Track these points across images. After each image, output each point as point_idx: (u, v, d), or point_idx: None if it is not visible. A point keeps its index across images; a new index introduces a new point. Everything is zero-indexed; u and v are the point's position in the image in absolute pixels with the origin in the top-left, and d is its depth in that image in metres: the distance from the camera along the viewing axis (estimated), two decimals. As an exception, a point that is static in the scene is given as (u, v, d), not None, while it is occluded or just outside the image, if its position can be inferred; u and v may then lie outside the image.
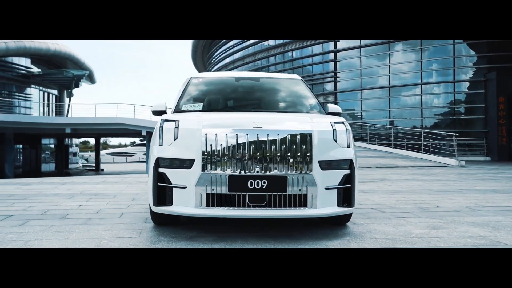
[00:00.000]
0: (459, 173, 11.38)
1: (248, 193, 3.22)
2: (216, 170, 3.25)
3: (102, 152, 56.44)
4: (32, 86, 32.36)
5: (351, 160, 3.47)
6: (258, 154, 3.25)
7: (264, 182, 3.23)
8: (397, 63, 24.66)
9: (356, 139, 23.18)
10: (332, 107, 4.41)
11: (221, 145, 3.27)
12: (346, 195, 3.46)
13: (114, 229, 3.75)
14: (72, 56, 33.08)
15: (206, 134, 3.30)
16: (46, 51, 29.66)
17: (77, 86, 35.12)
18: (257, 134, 3.28)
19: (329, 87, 28.41)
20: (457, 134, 16.70)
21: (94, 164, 40.40)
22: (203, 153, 3.27)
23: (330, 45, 27.57)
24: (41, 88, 33.55)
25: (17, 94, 30.94)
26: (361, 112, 26.70)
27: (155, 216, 3.79)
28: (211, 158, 3.26)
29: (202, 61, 48.27)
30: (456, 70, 22.21)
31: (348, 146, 3.50)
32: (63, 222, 4.05)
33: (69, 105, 33.68)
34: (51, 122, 26.37)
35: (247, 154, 3.25)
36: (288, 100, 4.49)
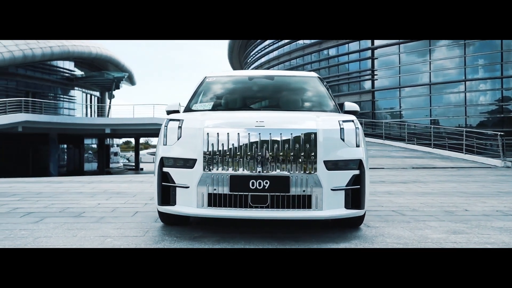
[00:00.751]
0: (503, 174, 10.73)
1: (250, 193, 3.14)
2: (217, 169, 3.19)
3: (143, 152, 58.11)
4: (76, 88, 33.78)
5: (360, 160, 3.29)
6: (260, 153, 3.16)
7: (266, 183, 3.13)
8: (439, 59, 23.69)
9: (394, 138, 22.51)
10: (349, 105, 4.26)
11: (222, 144, 3.20)
12: (355, 196, 3.29)
13: (122, 227, 3.77)
14: (112, 58, 34.24)
15: (207, 133, 3.24)
16: (88, 54, 30.87)
17: (117, 87, 36.33)
18: (259, 133, 3.18)
19: (367, 85, 27.78)
20: (502, 133, 15.78)
21: (134, 164, 41.64)
22: (204, 152, 3.21)
23: (368, 42, 26.91)
24: (83, 90, 34.97)
25: (62, 96, 32.41)
26: (400, 111, 25.89)
27: (163, 216, 3.77)
28: (212, 157, 3.20)
29: (238, 61, 48.61)
30: (504, 65, 21.04)
31: (358, 146, 3.33)
32: (77, 220, 4.12)
33: (109, 106, 34.91)
34: (91, 122, 27.41)
35: (249, 153, 3.16)
36: (300, 99, 4.36)
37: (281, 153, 3.16)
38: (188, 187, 3.26)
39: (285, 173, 3.15)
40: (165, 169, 3.38)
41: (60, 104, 31.97)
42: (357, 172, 3.28)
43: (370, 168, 13.89)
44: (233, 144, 3.19)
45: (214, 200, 3.20)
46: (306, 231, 3.60)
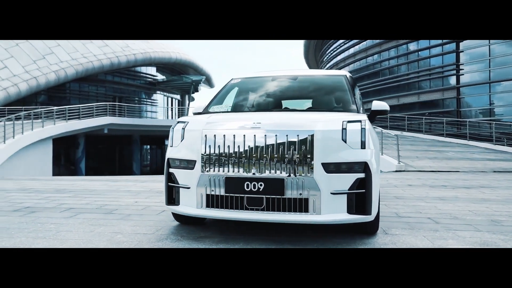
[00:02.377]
0: None
1: (245, 195, 3.08)
2: (214, 171, 3.18)
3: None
4: (158, 92, 36.03)
5: (365, 163, 3.04)
6: (254, 155, 3.08)
7: (261, 185, 3.05)
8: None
9: (480, 139, 20.55)
10: (376, 104, 4.01)
11: (219, 146, 3.18)
12: (359, 201, 3.05)
13: (139, 225, 3.92)
14: (191, 63, 35.95)
15: (205, 135, 3.25)
16: (168, 59, 32.76)
17: (196, 90, 38.03)
18: (254, 135, 3.11)
19: (451, 81, 25.75)
20: None
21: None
22: (202, 154, 3.22)
23: (451, 35, 24.92)
24: (165, 93, 37.17)
25: (145, 99, 34.78)
26: (490, 109, 23.59)
27: (176, 216, 3.86)
28: (210, 159, 3.20)
29: (314, 60, 48.10)
30: None
31: (363, 147, 3.09)
32: (105, 216, 4.37)
33: (187, 108, 36.73)
34: (167, 124, 29.06)
35: (244, 155, 3.10)
36: (316, 99, 4.17)
37: (276, 155, 3.05)
38: (189, 187, 3.30)
39: (280, 175, 3.03)
40: (171, 170, 3.46)
41: (143, 107, 34.35)
42: (361, 175, 3.04)
43: (443, 172, 12.65)
44: (228, 146, 3.16)
45: (212, 201, 3.19)
46: (313, 235, 3.43)
